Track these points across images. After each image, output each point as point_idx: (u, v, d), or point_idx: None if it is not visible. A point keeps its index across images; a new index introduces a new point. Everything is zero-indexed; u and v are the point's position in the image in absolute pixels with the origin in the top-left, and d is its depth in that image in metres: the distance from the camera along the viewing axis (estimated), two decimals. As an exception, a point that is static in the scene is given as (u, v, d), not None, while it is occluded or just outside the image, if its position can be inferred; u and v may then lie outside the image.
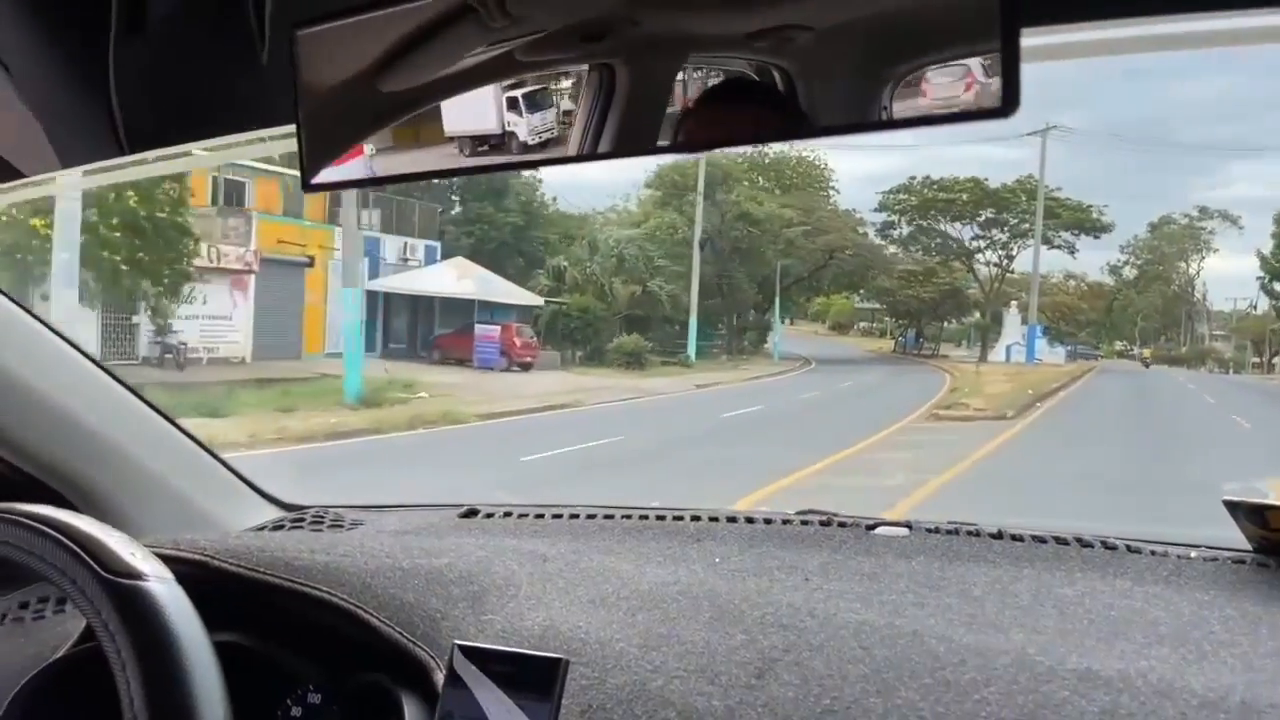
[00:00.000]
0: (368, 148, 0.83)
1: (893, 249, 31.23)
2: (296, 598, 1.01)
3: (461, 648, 0.92)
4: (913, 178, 28.72)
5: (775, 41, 0.70)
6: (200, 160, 1.23)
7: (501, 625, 0.99)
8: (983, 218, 29.81)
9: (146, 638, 0.79)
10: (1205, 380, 26.92)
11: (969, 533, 1.17)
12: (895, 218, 30.29)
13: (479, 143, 0.79)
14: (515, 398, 15.13)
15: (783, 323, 36.58)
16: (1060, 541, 1.14)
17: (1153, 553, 1.10)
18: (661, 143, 0.75)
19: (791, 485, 8.77)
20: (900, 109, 0.65)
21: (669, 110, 0.74)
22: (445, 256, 24.07)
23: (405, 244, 23.52)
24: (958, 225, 30.25)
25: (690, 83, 0.75)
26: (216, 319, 17.67)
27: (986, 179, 28.45)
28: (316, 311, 19.94)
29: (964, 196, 28.80)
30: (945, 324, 32.95)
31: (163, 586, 0.83)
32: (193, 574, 0.93)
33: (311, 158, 0.82)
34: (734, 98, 0.73)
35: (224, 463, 1.45)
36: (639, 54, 0.75)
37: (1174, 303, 34.25)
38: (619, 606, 1.01)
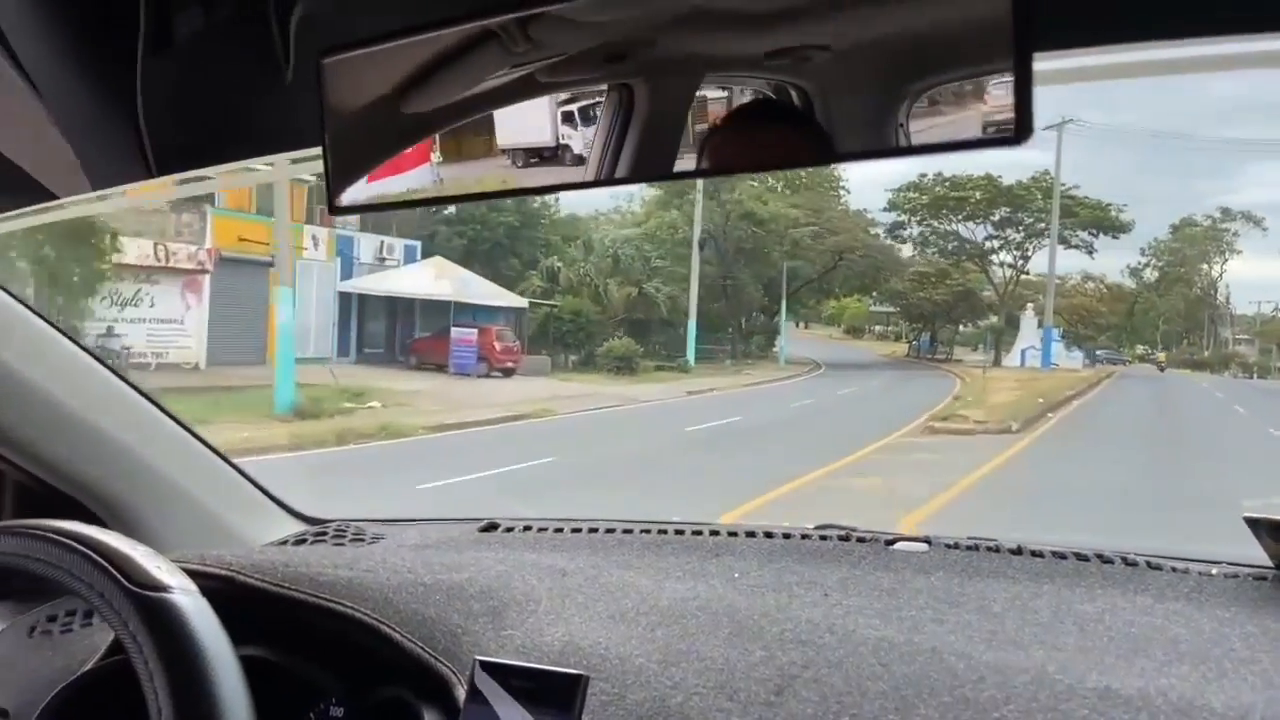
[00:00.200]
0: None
1: (905, 250, 30.28)
2: (320, 612, 1.02)
3: (482, 663, 0.93)
4: (924, 175, 27.66)
5: (792, 61, 0.71)
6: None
7: (521, 640, 1.00)
8: (997, 216, 28.65)
9: (173, 650, 0.80)
10: (1230, 386, 25.70)
11: (988, 548, 1.17)
12: (905, 217, 29.24)
13: (508, 164, 0.81)
14: (481, 406, 14.32)
15: (796, 326, 35.98)
16: (1080, 558, 1.14)
17: (1173, 569, 1.10)
18: (680, 167, 0.75)
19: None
20: (914, 136, 0.66)
21: (688, 134, 0.75)
22: (431, 257, 22.93)
23: (382, 243, 22.35)
24: (971, 225, 29.08)
25: (709, 105, 0.76)
26: (166, 322, 16.30)
27: (1000, 176, 27.32)
28: None
29: (977, 194, 27.66)
30: (961, 327, 32.03)
31: (188, 599, 0.85)
32: (218, 588, 0.95)
33: (337, 180, 0.84)
34: (752, 122, 0.74)
35: (248, 477, 1.47)
36: (658, 74, 0.76)
37: (1196, 306, 33.74)
38: (638, 622, 1.01)
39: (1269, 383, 28.31)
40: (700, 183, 24.15)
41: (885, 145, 0.67)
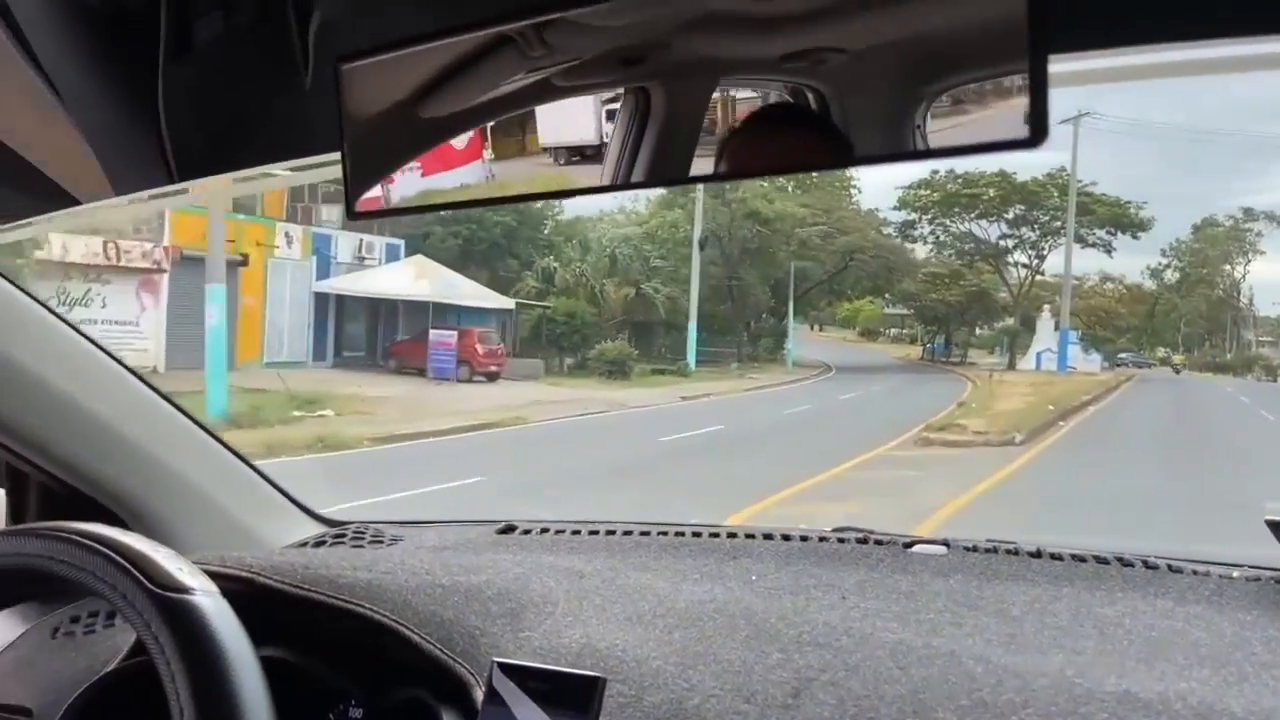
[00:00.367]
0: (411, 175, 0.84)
1: (918, 250, 29.27)
2: (339, 614, 1.03)
3: (500, 665, 0.93)
4: (935, 172, 26.72)
5: (808, 64, 0.71)
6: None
7: (539, 642, 1.00)
8: (1011, 215, 27.59)
9: (195, 650, 0.81)
10: (1255, 390, 24.55)
11: (1007, 551, 1.17)
12: (916, 215, 28.13)
13: (528, 167, 0.81)
14: (449, 414, 13.39)
15: (811, 329, 35.48)
16: (1100, 561, 1.13)
17: (1194, 572, 1.09)
18: (697, 171, 0.75)
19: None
20: (930, 139, 0.66)
21: (705, 137, 0.75)
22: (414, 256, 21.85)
23: (361, 241, 21.02)
24: (984, 223, 27.99)
25: (726, 108, 0.76)
26: (119, 324, 15.10)
27: (1015, 173, 26.30)
28: (253, 316, 17.44)
29: (990, 191, 26.65)
30: (978, 330, 31.24)
31: (209, 601, 0.86)
32: (239, 590, 0.96)
33: (355, 185, 0.84)
34: (769, 124, 0.74)
35: (267, 479, 1.48)
36: (674, 77, 0.76)
37: (1219, 308, 33.26)
38: (656, 624, 1.01)
39: (1294, 387, 27.19)
40: (704, 182, 24.24)
41: (901, 149, 0.67)
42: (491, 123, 0.82)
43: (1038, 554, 1.16)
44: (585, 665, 0.94)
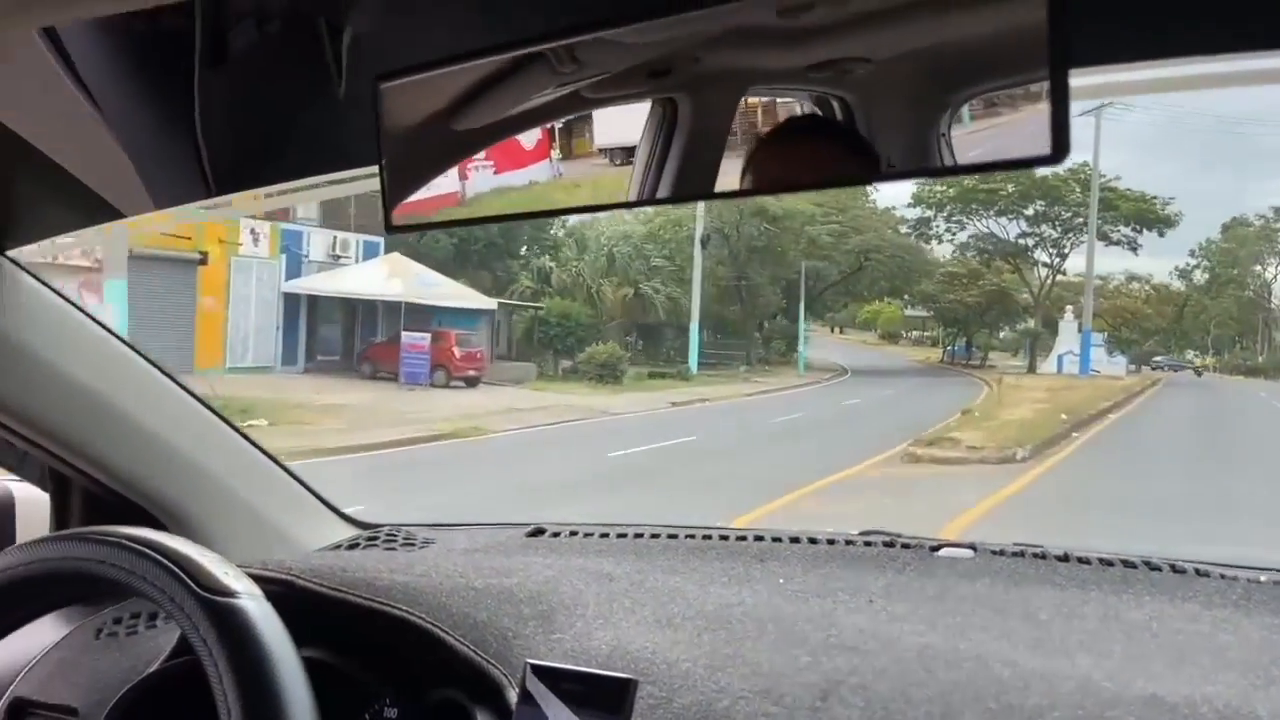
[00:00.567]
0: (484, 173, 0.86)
1: (936, 249, 28.29)
2: (376, 616, 1.05)
3: (533, 667, 0.95)
4: None
5: (834, 73, 0.73)
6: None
7: (570, 644, 1.01)
8: (1031, 211, 26.61)
9: (241, 653, 0.83)
10: None
11: (1035, 555, 1.17)
12: (931, 213, 27.31)
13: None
14: (403, 424, 12.59)
15: (831, 331, 34.86)
16: (1128, 565, 1.13)
17: (1222, 576, 1.09)
18: (724, 185, 0.77)
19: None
20: (953, 154, 0.67)
21: (731, 152, 0.77)
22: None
23: (335, 239, 19.74)
24: (1003, 220, 26.98)
25: (753, 120, 0.77)
26: None
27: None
28: (214, 319, 16.52)
29: (1009, 187, 25.67)
30: (1001, 331, 30.52)
31: (254, 604, 0.88)
32: (279, 592, 0.98)
33: (394, 199, 0.87)
34: (796, 137, 0.75)
35: (302, 482, 1.51)
36: (701, 89, 0.78)
37: (1249, 309, 32.62)
38: (684, 627, 1.03)
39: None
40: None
41: (927, 164, 0.68)
42: (552, 125, 0.82)
43: (1065, 558, 1.16)
44: (616, 667, 0.95)
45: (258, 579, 0.94)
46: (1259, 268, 32.28)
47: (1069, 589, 1.09)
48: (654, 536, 1.35)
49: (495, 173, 0.83)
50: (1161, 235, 27.20)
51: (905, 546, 1.24)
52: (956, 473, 10.65)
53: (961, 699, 0.86)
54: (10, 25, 0.81)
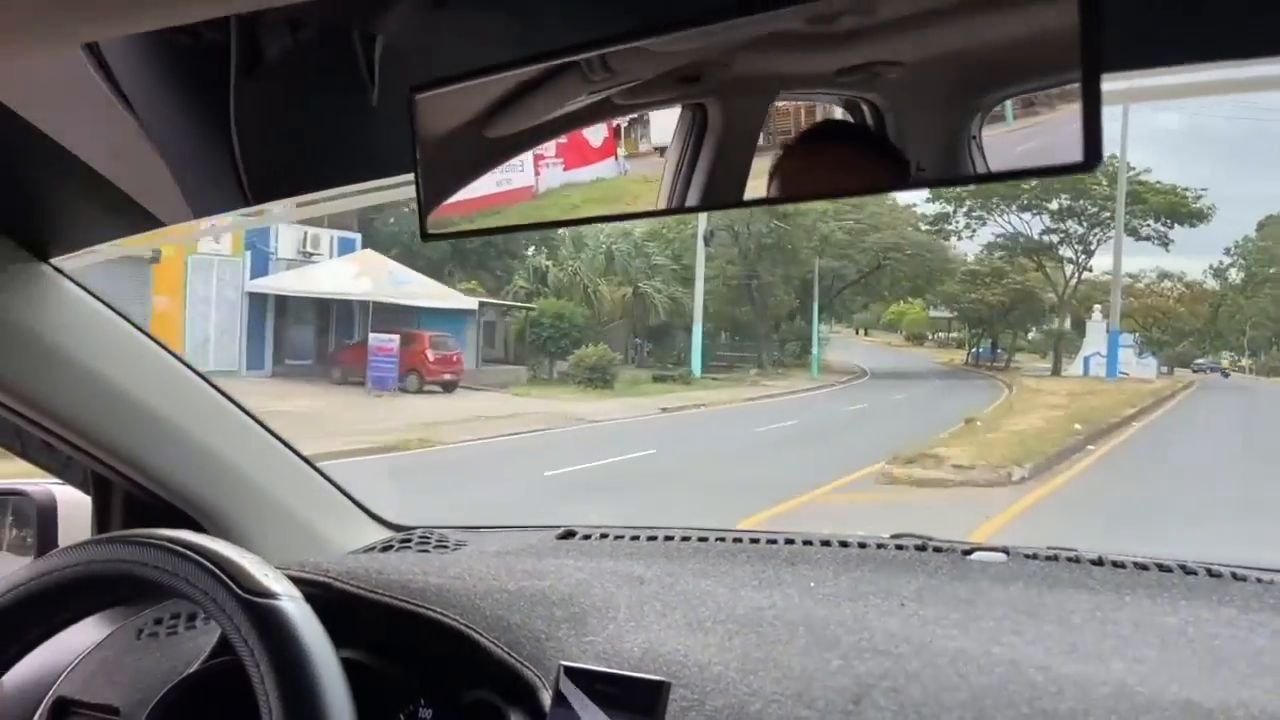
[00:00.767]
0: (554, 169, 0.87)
1: (958, 246, 26.96)
2: (411, 618, 1.06)
3: (567, 669, 0.96)
4: None
5: (865, 76, 0.73)
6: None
7: (602, 647, 1.02)
8: (1055, 206, 25.23)
9: (282, 653, 0.85)
10: None
11: (1068, 559, 1.17)
12: (951, 208, 25.97)
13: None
14: (349, 433, 11.56)
15: (857, 333, 34.24)
16: (1163, 569, 1.12)
17: (1259, 580, 1.08)
18: (752, 194, 0.77)
19: None
20: (984, 161, 0.67)
21: (760, 157, 0.77)
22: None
23: (306, 235, 18.40)
24: (1026, 216, 25.59)
25: (784, 126, 0.78)
26: None
27: None
28: (169, 320, 15.53)
29: (1031, 180, 24.78)
30: (1029, 332, 29.36)
31: (294, 606, 0.90)
32: (317, 594, 1.00)
33: (430, 208, 0.88)
34: (827, 141, 0.76)
35: (335, 484, 1.54)
36: (731, 93, 0.78)
37: (1288, 309, 31.82)
38: (716, 630, 1.03)
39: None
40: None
41: (959, 172, 0.68)
42: (618, 121, 0.82)
43: (1099, 562, 1.15)
44: (648, 670, 0.96)
45: (296, 580, 0.96)
46: (1297, 266, 31.35)
47: (1103, 593, 1.08)
48: (684, 539, 1.35)
49: (565, 169, 0.84)
50: (1193, 227, 25.60)
51: (937, 550, 1.23)
52: (935, 498, 9.03)
53: (994, 704, 0.86)
54: (57, 43, 0.83)
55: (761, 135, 0.78)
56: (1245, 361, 29.83)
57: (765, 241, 24.46)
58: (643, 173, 0.82)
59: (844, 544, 1.28)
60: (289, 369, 17.61)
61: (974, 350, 30.14)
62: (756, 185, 0.78)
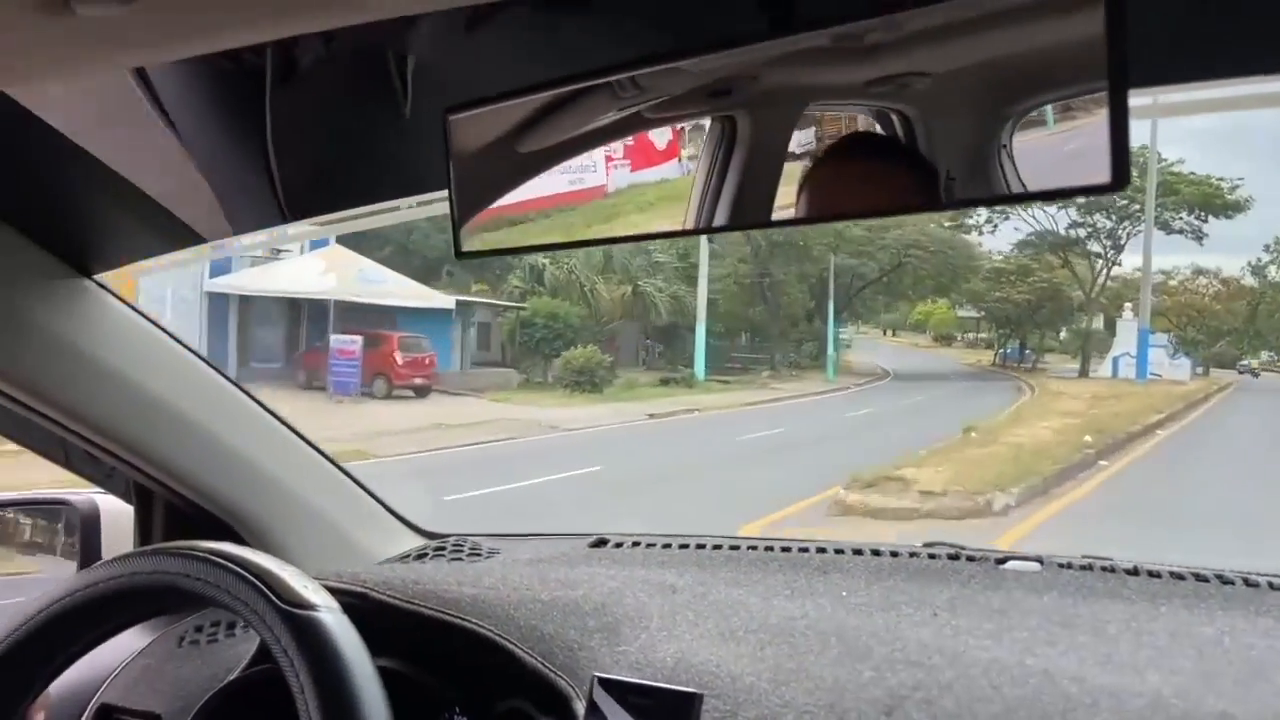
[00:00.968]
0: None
1: (983, 243, 25.84)
2: (447, 628, 1.08)
3: (600, 680, 0.97)
4: None
5: (894, 87, 0.74)
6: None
7: (635, 657, 1.03)
8: (1081, 198, 24.90)
9: (322, 665, 0.87)
10: None
11: (1103, 568, 1.16)
12: None
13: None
14: None
15: (885, 334, 33.66)
16: (1199, 578, 1.11)
17: None
18: (782, 212, 0.78)
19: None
20: (1015, 173, 0.68)
21: (789, 179, 0.78)
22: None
23: (273, 231, 17.34)
24: (1052, 209, 24.05)
25: (814, 139, 0.78)
26: None
27: None
28: None
29: (1060, 201, 23.48)
30: (1058, 332, 28.09)
31: (332, 617, 0.91)
32: (354, 604, 1.01)
33: (463, 225, 0.90)
34: (853, 162, 0.76)
35: (370, 492, 1.56)
36: (761, 105, 0.79)
37: (1331, 308, 30.84)
38: (748, 640, 1.04)
39: None
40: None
41: (989, 192, 0.69)
42: (683, 126, 0.84)
43: (1134, 571, 1.15)
44: (680, 680, 0.97)
45: (334, 591, 0.97)
46: (1342, 262, 30.31)
47: (1138, 603, 1.07)
48: (716, 547, 1.36)
49: (631, 170, 0.85)
50: (1229, 219, 23.97)
51: (970, 559, 1.23)
52: (887, 534, 7.41)
53: (1028, 716, 0.86)
54: (107, 68, 0.86)
55: (795, 147, 0.78)
56: (1252, 362, 28.46)
57: (776, 238, 23.45)
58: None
59: (876, 552, 1.28)
60: (254, 373, 16.24)
61: (1001, 351, 29.21)
62: (786, 199, 0.79)
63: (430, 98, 1.00)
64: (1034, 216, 25.09)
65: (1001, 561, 1.21)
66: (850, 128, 0.77)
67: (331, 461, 1.50)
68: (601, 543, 1.44)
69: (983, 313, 28.90)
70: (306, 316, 17.50)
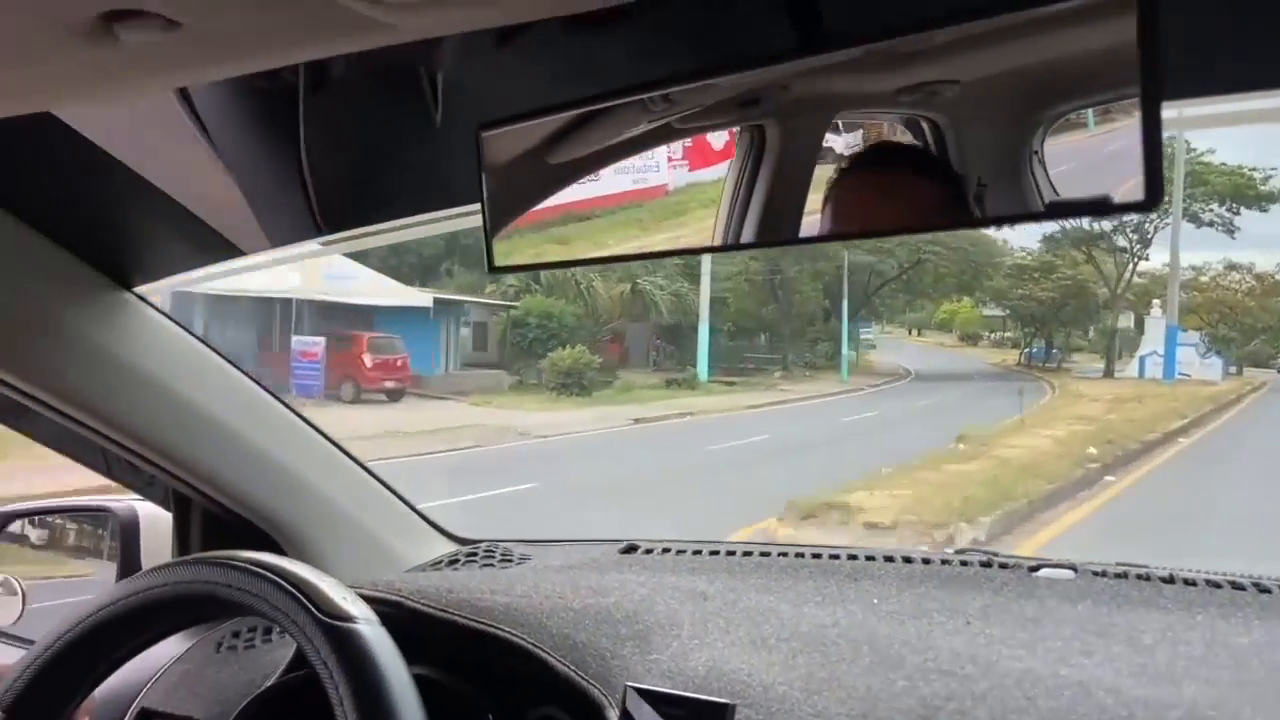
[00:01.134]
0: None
1: (1007, 239, 24.71)
2: (480, 636, 1.09)
3: (634, 690, 0.97)
4: None
5: (923, 95, 0.74)
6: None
7: (667, 665, 1.03)
8: None
9: (360, 676, 0.88)
10: None
11: (1138, 576, 1.15)
12: None
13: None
14: None
15: (910, 334, 33.20)
16: (1236, 587, 1.10)
17: None
18: (809, 223, 0.78)
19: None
20: (1048, 183, 0.68)
21: (818, 190, 0.78)
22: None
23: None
24: None
25: (859, 147, 0.78)
26: None
27: None
28: None
29: (1092, 218, 22.73)
30: (1086, 331, 27.02)
31: (370, 628, 0.93)
32: (389, 613, 1.03)
33: (496, 240, 0.91)
34: (882, 174, 0.77)
35: (402, 498, 1.58)
36: (790, 114, 0.80)
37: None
38: (780, 648, 1.04)
39: None
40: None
41: (1020, 209, 0.69)
42: (733, 130, 0.84)
43: (1170, 579, 1.13)
44: (712, 689, 0.97)
45: (370, 600, 0.99)
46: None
47: (1174, 612, 1.06)
48: (746, 554, 1.36)
49: (690, 170, 0.86)
50: (1263, 211, 22.45)
51: (1003, 566, 1.22)
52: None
53: None
54: (150, 91, 0.87)
55: (842, 148, 0.78)
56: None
57: (789, 234, 23.46)
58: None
59: (907, 559, 1.28)
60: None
61: (1027, 350, 28.12)
62: (814, 212, 0.79)
63: (462, 112, 1.01)
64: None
65: (1034, 569, 1.20)
66: (890, 133, 0.77)
67: (364, 467, 1.52)
68: (631, 549, 1.45)
69: (1007, 311, 28.03)
70: (280, 317, 16.68)
